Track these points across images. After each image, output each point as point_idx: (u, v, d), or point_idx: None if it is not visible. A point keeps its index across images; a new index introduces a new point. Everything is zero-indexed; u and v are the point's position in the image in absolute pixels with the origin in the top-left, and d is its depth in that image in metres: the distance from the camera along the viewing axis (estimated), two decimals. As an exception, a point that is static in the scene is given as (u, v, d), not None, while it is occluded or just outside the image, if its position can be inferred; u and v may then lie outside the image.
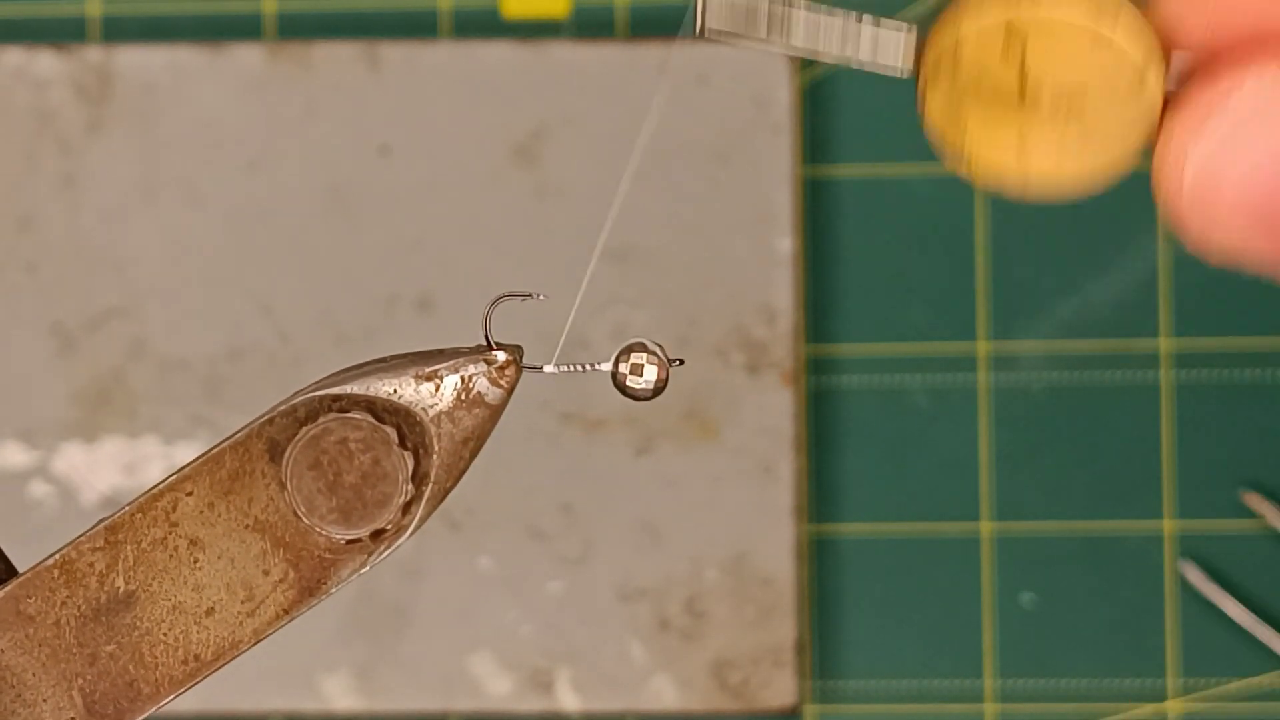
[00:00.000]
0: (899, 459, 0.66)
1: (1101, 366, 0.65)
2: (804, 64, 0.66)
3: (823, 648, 0.66)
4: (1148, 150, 0.35)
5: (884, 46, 0.35)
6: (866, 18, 0.34)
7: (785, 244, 0.65)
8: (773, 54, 0.36)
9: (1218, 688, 0.65)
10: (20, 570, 0.35)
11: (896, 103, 0.66)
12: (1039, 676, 0.65)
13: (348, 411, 0.34)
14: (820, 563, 0.66)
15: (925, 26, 0.35)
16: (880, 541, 0.66)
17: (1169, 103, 0.35)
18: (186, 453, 0.65)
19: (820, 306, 0.66)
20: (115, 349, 0.66)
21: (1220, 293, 0.65)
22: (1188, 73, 0.34)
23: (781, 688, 0.64)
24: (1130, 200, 0.65)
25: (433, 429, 0.34)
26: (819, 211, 0.66)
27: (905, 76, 0.35)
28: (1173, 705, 0.65)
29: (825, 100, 0.66)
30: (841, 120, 0.66)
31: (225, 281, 0.66)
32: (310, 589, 0.34)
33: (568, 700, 0.65)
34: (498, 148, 0.65)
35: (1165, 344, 0.65)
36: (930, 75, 0.35)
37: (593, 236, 0.65)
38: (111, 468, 0.65)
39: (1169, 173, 0.34)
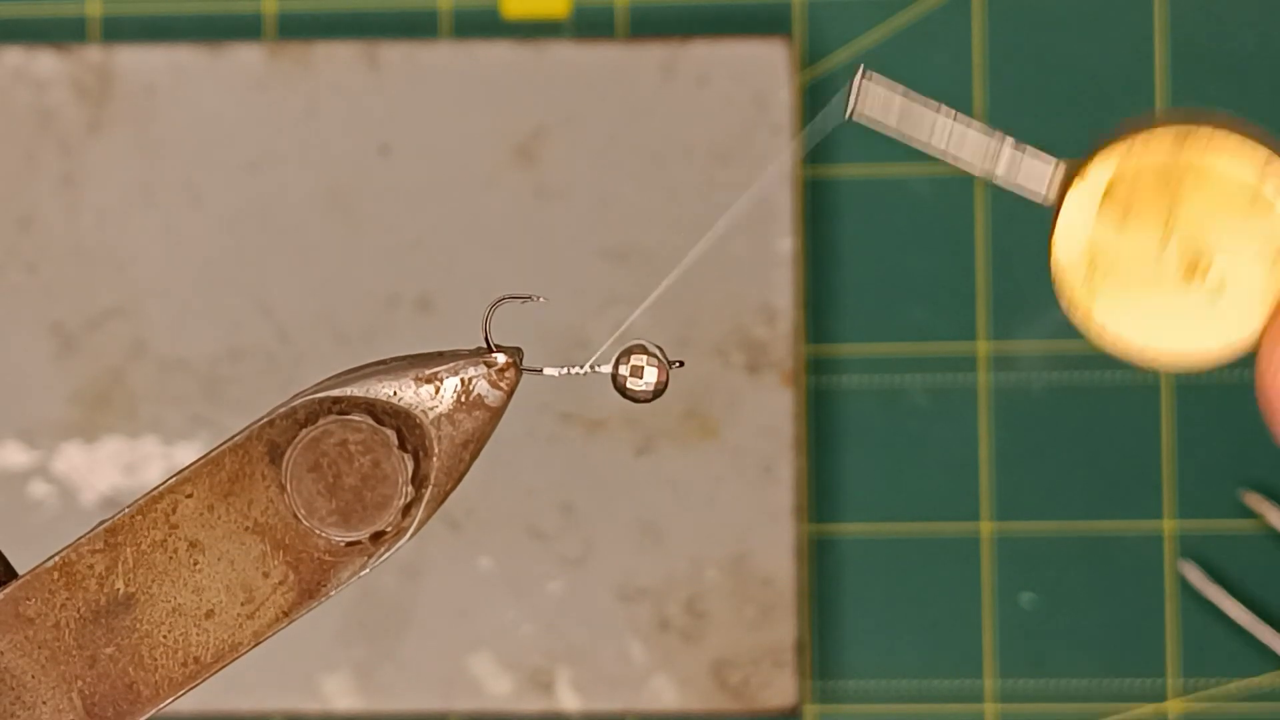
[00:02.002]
0: (899, 459, 0.66)
1: (1101, 366, 0.65)
2: (804, 64, 0.66)
3: (823, 648, 0.66)
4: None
5: (1029, 173, 0.34)
6: (1015, 144, 0.34)
7: (785, 244, 0.65)
8: (913, 144, 0.36)
9: (1218, 688, 0.65)
10: (20, 572, 0.35)
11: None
12: (1039, 676, 0.65)
13: (348, 414, 0.34)
14: (820, 563, 0.66)
15: (1076, 163, 0.34)
16: (880, 541, 0.66)
17: None
18: (186, 453, 0.65)
19: (820, 306, 0.66)
20: (115, 349, 0.66)
21: (1220, 293, 0.65)
22: None
23: (781, 688, 0.64)
24: (1130, 200, 0.65)
25: (433, 431, 0.34)
26: (819, 211, 0.66)
27: (1046, 204, 0.34)
28: (1173, 705, 0.65)
29: (825, 100, 0.66)
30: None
31: (225, 281, 0.66)
32: (310, 591, 0.34)
33: (568, 700, 0.65)
34: (498, 148, 0.65)
35: (1165, 344, 0.65)
36: (1072, 213, 0.34)
37: (592, 236, 0.66)
38: (111, 468, 0.65)
39: (1273, 355, 0.32)
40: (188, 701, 0.35)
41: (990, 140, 0.34)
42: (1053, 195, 0.34)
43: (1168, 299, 0.34)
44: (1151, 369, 0.34)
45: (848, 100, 0.34)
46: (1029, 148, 0.34)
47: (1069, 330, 0.65)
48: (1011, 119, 0.65)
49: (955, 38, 0.66)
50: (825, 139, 0.66)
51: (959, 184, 0.65)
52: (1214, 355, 0.35)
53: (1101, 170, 0.34)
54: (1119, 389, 0.65)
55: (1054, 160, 0.34)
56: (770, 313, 0.65)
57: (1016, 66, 0.65)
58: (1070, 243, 0.34)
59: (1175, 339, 0.35)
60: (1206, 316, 0.35)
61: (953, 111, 0.34)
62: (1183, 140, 0.34)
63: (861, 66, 0.33)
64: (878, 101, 0.34)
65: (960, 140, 0.34)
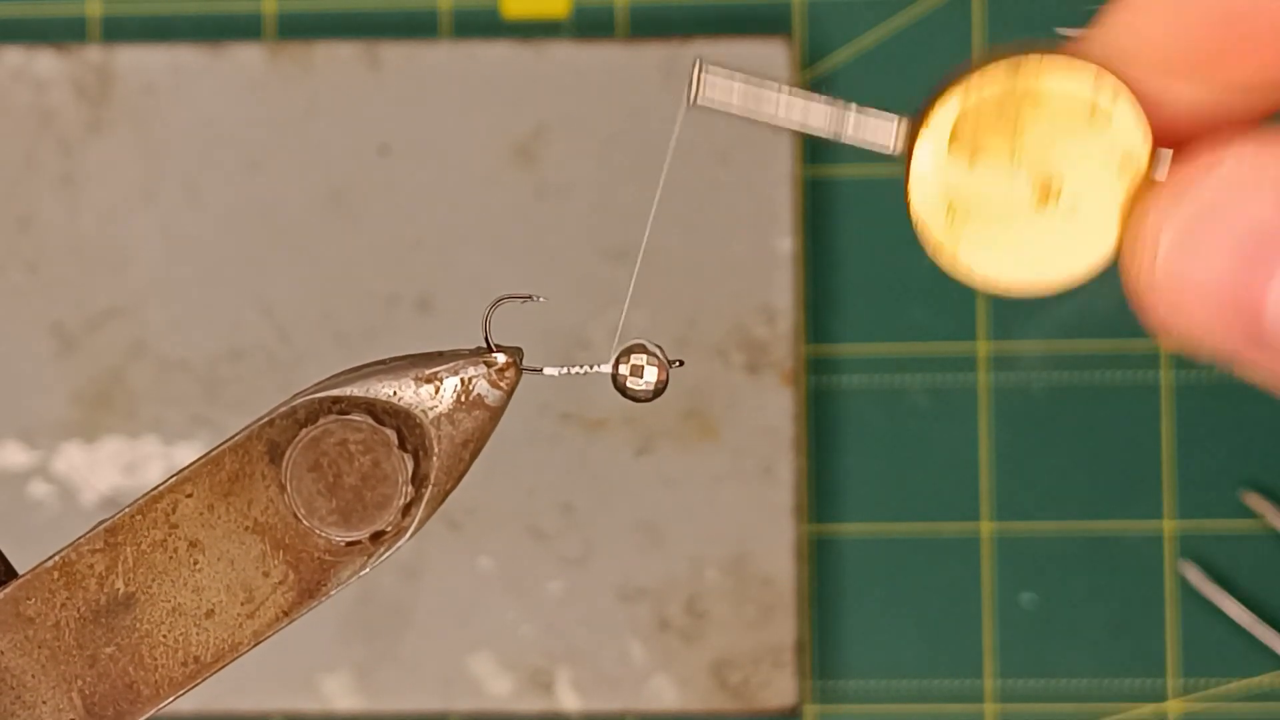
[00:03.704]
0: (899, 459, 0.66)
1: (1101, 366, 0.65)
2: (804, 64, 0.66)
3: (823, 648, 0.66)
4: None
5: (873, 130, 0.36)
6: (855, 106, 0.36)
7: (785, 244, 0.65)
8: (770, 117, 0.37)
9: (1218, 688, 0.65)
10: (20, 572, 0.35)
11: (896, 103, 0.66)
12: (1039, 676, 0.65)
13: (348, 414, 0.34)
14: (820, 563, 0.66)
15: (918, 112, 0.35)
16: (880, 541, 0.66)
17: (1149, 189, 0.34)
18: (186, 453, 0.65)
19: (820, 306, 0.66)
20: (115, 349, 0.66)
21: (1220, 293, 0.65)
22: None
23: (781, 688, 0.64)
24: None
25: (432, 431, 0.34)
26: (819, 211, 0.66)
27: (895, 156, 0.35)
28: (1173, 705, 0.65)
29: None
30: (841, 120, 0.66)
31: (225, 281, 0.66)
32: (310, 591, 0.34)
33: (568, 700, 0.65)
34: (498, 148, 0.65)
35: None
36: (923, 161, 0.35)
37: (592, 236, 0.65)
38: (111, 468, 0.65)
39: (1138, 253, 0.33)
40: (187, 701, 0.35)
41: (834, 107, 0.36)
42: (900, 146, 0.35)
43: (1027, 229, 0.34)
44: (1014, 292, 0.35)
45: (690, 91, 0.35)
46: (871, 109, 0.36)
47: (1069, 330, 0.65)
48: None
49: (955, 38, 0.66)
50: (825, 140, 0.66)
51: (959, 184, 0.65)
52: (1079, 274, 0.35)
53: (943, 114, 0.35)
54: (1119, 389, 0.65)
55: (896, 116, 0.35)
56: (770, 313, 0.65)
57: (1016, 66, 0.65)
58: (925, 190, 0.35)
59: (1040, 266, 0.35)
60: (1066, 237, 0.35)
61: (795, 89, 0.35)
62: (1015, 70, 0.34)
63: (697, 60, 0.34)
64: (719, 89, 0.35)
65: (805, 110, 0.36)
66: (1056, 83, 0.34)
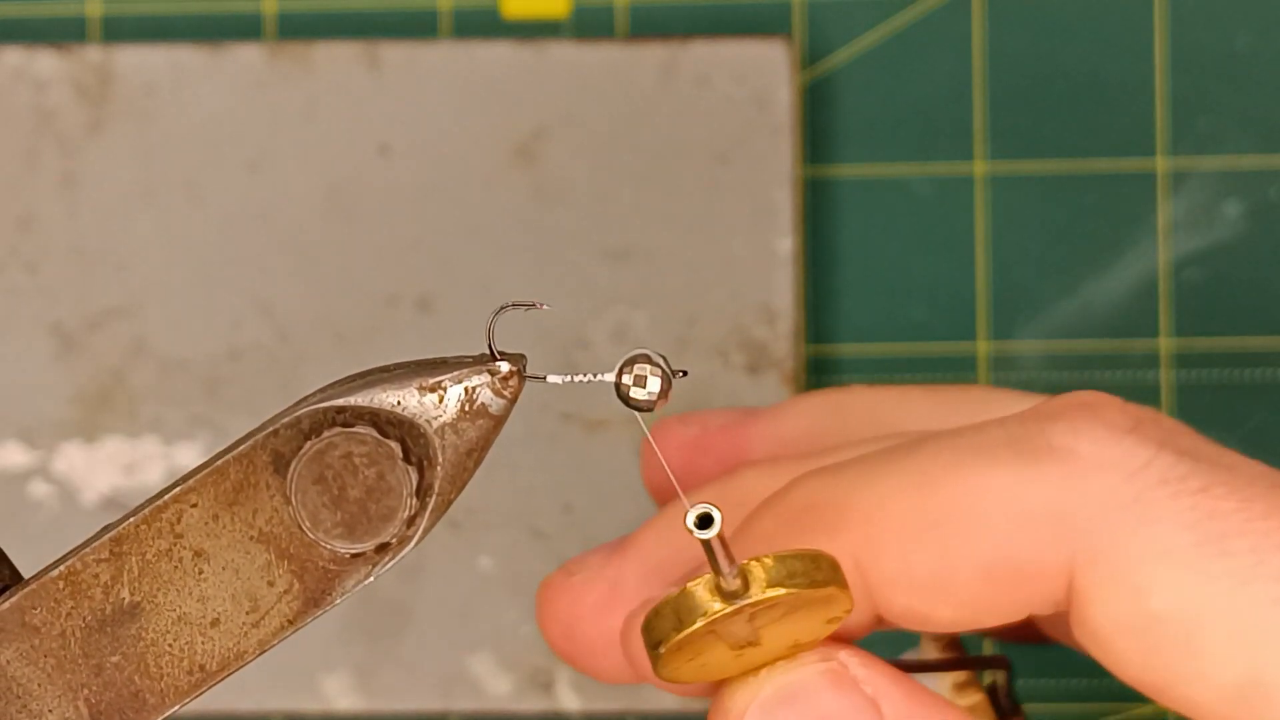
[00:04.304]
0: (899, 459, 0.66)
1: (1101, 366, 0.65)
2: (804, 64, 0.66)
3: (823, 647, 0.66)
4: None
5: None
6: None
7: (785, 244, 0.65)
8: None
9: (1217, 687, 0.65)
10: (25, 576, 0.35)
11: (896, 103, 0.66)
12: (1039, 676, 0.65)
13: (352, 425, 0.34)
14: (820, 562, 0.66)
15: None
16: (880, 541, 0.66)
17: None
18: (186, 453, 0.65)
19: (820, 306, 0.66)
20: (115, 349, 0.66)
21: (1220, 293, 0.65)
22: None
23: (781, 687, 0.64)
24: (1130, 200, 0.66)
25: (437, 441, 0.34)
26: (819, 211, 0.66)
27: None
28: (1172, 704, 0.65)
29: (825, 100, 0.66)
30: (841, 120, 0.66)
31: (225, 281, 0.66)
32: (315, 600, 0.34)
33: (568, 700, 0.65)
34: (498, 148, 0.65)
35: (1165, 344, 0.65)
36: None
37: (593, 237, 0.66)
38: (111, 468, 0.66)
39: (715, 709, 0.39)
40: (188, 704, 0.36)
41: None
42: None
43: (721, 660, 0.38)
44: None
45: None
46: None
47: (1069, 330, 0.65)
48: (1012, 119, 0.65)
49: (955, 38, 0.66)
50: (825, 140, 0.66)
51: (959, 184, 0.66)
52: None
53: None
54: (1119, 389, 0.65)
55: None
56: (770, 313, 0.65)
57: (1016, 67, 0.65)
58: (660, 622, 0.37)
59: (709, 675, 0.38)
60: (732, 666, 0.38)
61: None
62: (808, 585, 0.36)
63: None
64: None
65: None
66: (823, 596, 0.36)
